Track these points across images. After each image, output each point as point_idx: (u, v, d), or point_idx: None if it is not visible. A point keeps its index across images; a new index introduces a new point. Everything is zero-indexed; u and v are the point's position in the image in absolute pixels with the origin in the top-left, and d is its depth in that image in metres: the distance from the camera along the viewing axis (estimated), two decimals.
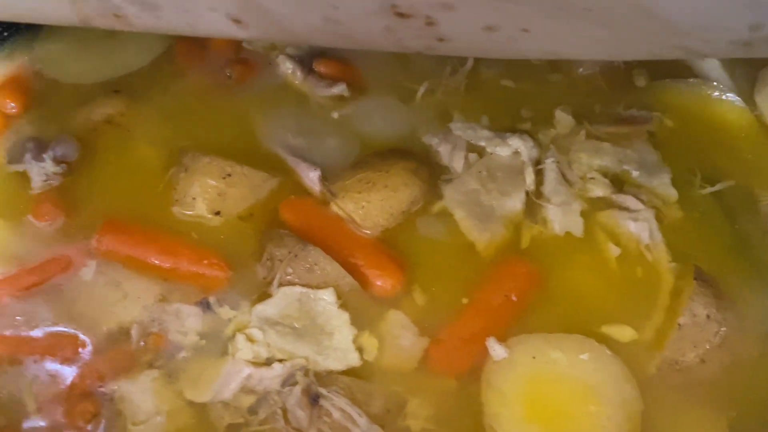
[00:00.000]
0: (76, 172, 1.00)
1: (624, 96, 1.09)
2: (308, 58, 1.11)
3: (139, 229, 0.94)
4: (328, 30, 0.75)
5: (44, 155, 0.98)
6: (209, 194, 0.96)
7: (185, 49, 1.12)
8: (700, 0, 0.68)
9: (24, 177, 0.99)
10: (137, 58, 1.11)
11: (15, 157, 1.00)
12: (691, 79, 1.09)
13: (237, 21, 0.75)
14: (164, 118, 1.05)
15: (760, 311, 0.91)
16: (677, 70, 1.12)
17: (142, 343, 0.86)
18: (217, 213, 0.95)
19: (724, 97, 1.07)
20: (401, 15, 0.73)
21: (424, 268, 0.93)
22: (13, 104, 1.05)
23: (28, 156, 0.98)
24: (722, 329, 0.87)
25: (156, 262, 0.91)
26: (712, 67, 1.12)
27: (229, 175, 0.96)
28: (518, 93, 1.09)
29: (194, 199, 0.96)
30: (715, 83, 1.09)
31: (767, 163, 1.03)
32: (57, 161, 0.99)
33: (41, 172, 0.97)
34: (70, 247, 0.93)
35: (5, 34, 1.13)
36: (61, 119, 1.05)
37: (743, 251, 0.95)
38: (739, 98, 1.08)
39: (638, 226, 0.95)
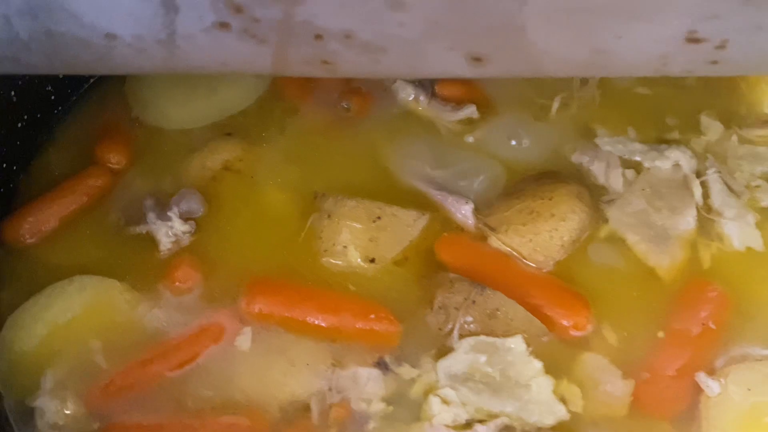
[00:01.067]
0: (204, 228, 0.90)
1: (763, 95, 1.04)
2: (428, 82, 1.03)
3: (291, 285, 0.85)
4: (593, 62, 0.67)
5: (169, 213, 0.89)
6: (360, 240, 0.87)
7: (292, 84, 1.03)
8: None
9: (146, 239, 0.89)
10: (242, 97, 1.02)
11: (135, 218, 0.90)
12: None
13: (477, 59, 0.67)
14: (287, 160, 0.97)
15: None
16: None
17: (322, 417, 0.77)
18: (372, 260, 0.87)
19: None
20: None
21: (608, 301, 0.85)
22: (117, 158, 0.96)
23: (151, 216, 0.89)
24: None
25: (318, 321, 0.82)
26: None
27: (379, 217, 0.88)
28: (657, 100, 1.02)
29: (345, 247, 0.87)
30: None
31: None
32: (184, 218, 0.89)
33: (169, 232, 0.88)
34: (216, 314, 0.84)
35: (91, 80, 1.03)
36: (173, 170, 0.96)
37: None
38: None
39: None
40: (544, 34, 0.65)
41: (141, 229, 0.89)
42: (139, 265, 0.87)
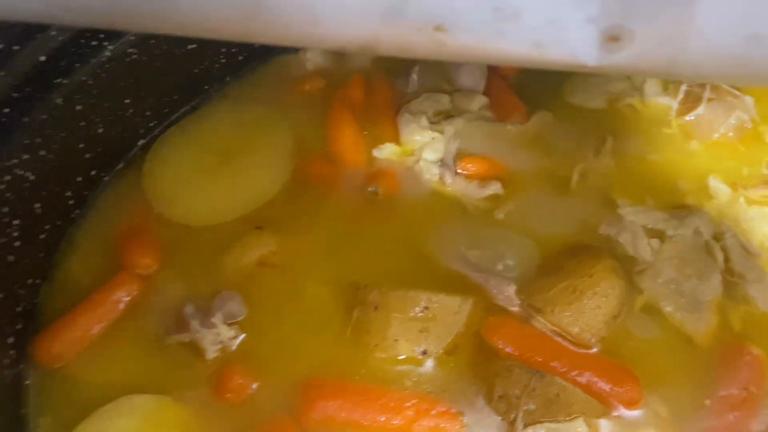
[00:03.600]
0: (248, 330, 0.88)
1: (762, 155, 1.10)
2: (449, 159, 1.05)
3: (347, 386, 0.84)
4: (742, 55, 0.58)
5: (213, 319, 0.86)
6: (411, 332, 0.87)
7: (317, 169, 1.03)
8: None
9: (188, 348, 0.86)
10: (266, 186, 1.01)
11: (175, 326, 0.87)
12: None
13: (615, 38, 0.57)
14: (323, 250, 0.96)
15: None
16: None
17: None
18: (425, 352, 0.87)
19: None
20: None
21: (654, 374, 0.88)
22: (146, 261, 0.93)
23: (194, 324, 0.86)
24: None
25: (381, 423, 0.82)
26: None
27: (427, 307, 0.88)
28: (667, 166, 1.07)
29: (396, 340, 0.87)
30: None
31: None
32: (227, 322, 0.87)
33: (215, 340, 0.86)
34: (275, 424, 0.82)
35: (105, 177, 1.00)
36: (207, 270, 0.93)
37: None
38: None
39: None
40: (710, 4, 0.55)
41: (184, 337, 0.86)
42: (185, 377, 0.85)
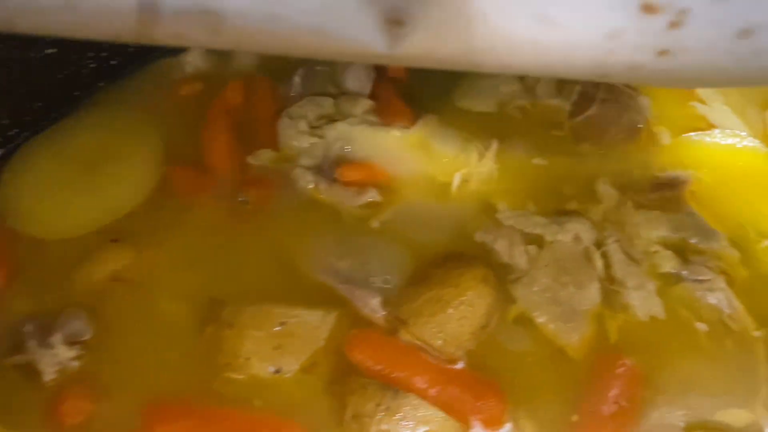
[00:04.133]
0: (94, 350, 0.83)
1: (654, 157, 1.07)
2: (326, 166, 1.00)
3: (190, 409, 0.80)
4: (534, 39, 0.57)
5: (51, 339, 0.81)
6: (264, 350, 0.83)
7: (183, 178, 0.98)
8: None
9: (22, 370, 0.81)
10: (128, 197, 0.96)
11: (13, 347, 0.82)
12: (714, 131, 1.09)
13: (397, 22, 0.55)
14: (183, 264, 0.91)
15: None
16: (694, 122, 1.12)
17: None
18: (278, 370, 0.83)
19: (748, 144, 1.08)
20: None
21: (522, 388, 0.84)
22: None
23: (32, 343, 0.81)
24: None
25: None
26: (724, 114, 1.13)
27: (283, 323, 0.84)
28: (553, 170, 1.04)
29: (248, 359, 0.82)
30: (734, 132, 1.09)
31: None
32: (69, 343, 0.82)
33: (53, 361, 0.81)
34: None
35: None
36: (57, 286, 0.88)
37: None
38: (758, 141, 1.09)
39: (715, 297, 0.92)
40: None
41: (20, 359, 0.81)
42: (19, 402, 0.79)
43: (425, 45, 0.59)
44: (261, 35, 0.58)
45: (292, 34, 0.58)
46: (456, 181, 1.01)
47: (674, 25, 0.59)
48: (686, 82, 0.66)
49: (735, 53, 0.61)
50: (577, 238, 0.95)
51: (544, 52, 0.61)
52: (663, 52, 0.61)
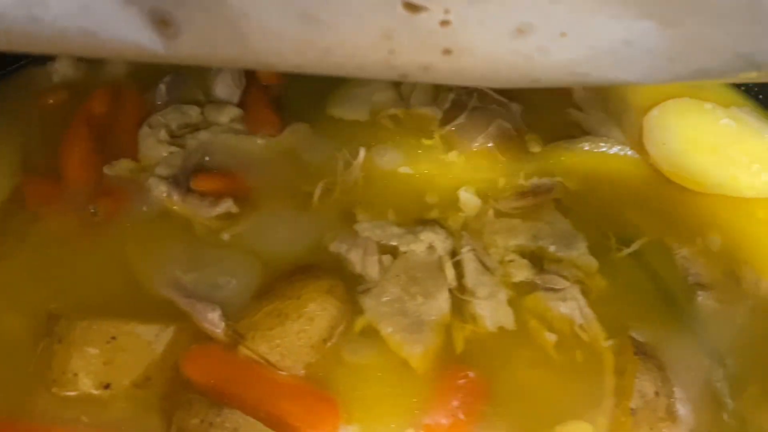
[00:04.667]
0: None
1: (523, 164, 1.06)
2: (183, 175, 0.99)
3: (12, 426, 0.78)
4: (307, 40, 0.57)
5: None
6: (93, 365, 0.81)
7: (35, 188, 0.96)
8: None
9: None
10: None
11: None
12: (584, 138, 1.09)
13: (164, 22, 0.56)
14: (24, 277, 0.89)
15: (701, 371, 0.90)
16: (568, 129, 1.11)
17: None
18: (107, 386, 0.81)
19: (619, 151, 1.08)
20: None
21: (359, 401, 0.83)
22: None
23: None
24: (671, 402, 0.85)
25: None
26: (600, 121, 1.12)
27: (114, 337, 0.82)
28: (418, 179, 1.03)
29: (75, 375, 0.80)
30: (605, 139, 1.09)
31: (672, 212, 1.03)
32: None
33: None
34: None
35: None
36: None
37: (672, 311, 0.94)
38: (632, 150, 1.09)
39: (567, 306, 0.91)
40: None
41: None
42: None
43: (198, 45, 0.59)
44: (29, 37, 0.57)
45: (62, 36, 0.57)
46: (318, 191, 1.00)
47: (446, 24, 0.58)
48: (489, 81, 0.65)
49: (520, 51, 0.61)
50: (431, 248, 0.94)
51: (326, 52, 0.60)
52: (447, 51, 0.61)
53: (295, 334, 0.84)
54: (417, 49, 0.60)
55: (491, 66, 0.63)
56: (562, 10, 0.58)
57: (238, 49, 0.59)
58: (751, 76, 0.66)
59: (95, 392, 0.80)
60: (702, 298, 0.95)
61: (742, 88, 1.20)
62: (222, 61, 0.63)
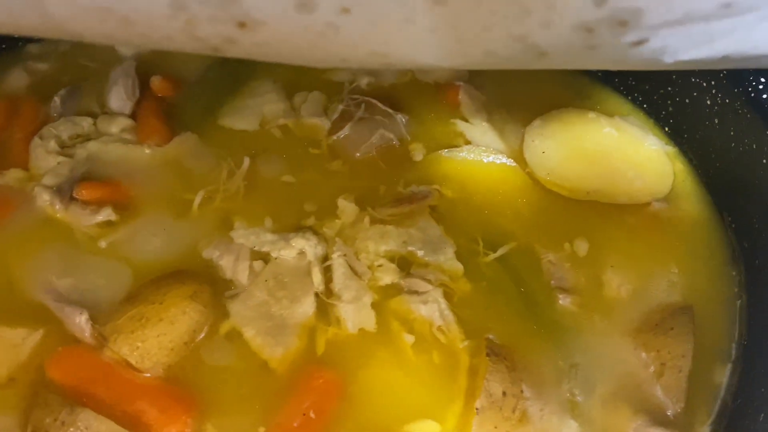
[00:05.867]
0: None
1: (403, 173, 1.10)
2: (68, 185, 1.02)
3: None
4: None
5: None
6: None
7: None
8: None
9: None
10: None
11: None
12: (464, 147, 1.12)
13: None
14: None
15: (553, 372, 0.93)
16: (453, 139, 1.15)
17: None
18: None
19: (496, 160, 1.11)
20: None
21: (216, 401, 0.86)
22: None
23: None
24: (520, 402, 0.88)
25: None
26: (483, 131, 1.16)
27: None
28: (300, 187, 1.06)
29: None
30: (486, 148, 1.13)
31: (544, 218, 1.07)
32: None
33: None
34: None
35: None
36: None
37: (531, 314, 0.97)
38: (510, 159, 1.12)
39: (428, 309, 0.95)
40: None
41: None
42: None
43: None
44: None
45: None
46: (198, 198, 1.03)
47: None
48: (298, 59, 0.68)
49: (312, 28, 0.64)
50: (301, 254, 0.98)
51: (126, 22, 0.63)
52: (241, 24, 0.64)
53: (155, 338, 0.88)
54: (212, 21, 0.63)
55: (290, 42, 0.66)
56: None
57: (39, 18, 0.62)
58: (546, 64, 0.68)
59: None
60: (562, 301, 0.99)
61: (629, 97, 1.25)
62: (28, 30, 0.65)
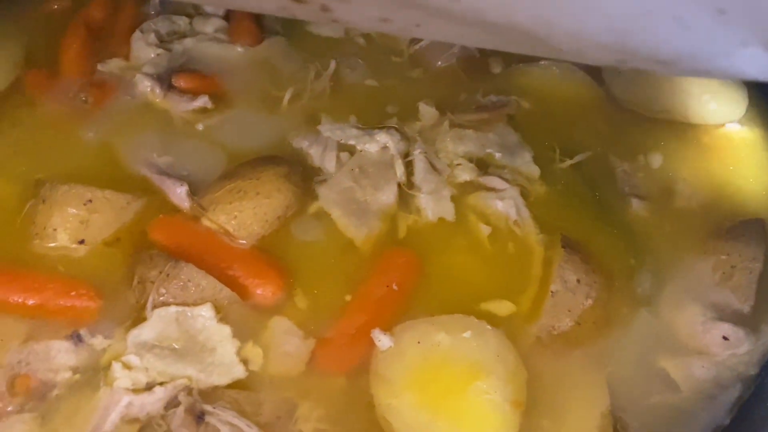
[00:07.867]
0: None
1: (482, 84, 1.14)
2: (166, 74, 1.08)
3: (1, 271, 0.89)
4: None
5: None
6: (70, 223, 0.91)
7: (35, 78, 1.07)
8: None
9: None
10: None
11: None
12: (543, 62, 1.15)
13: None
14: (18, 152, 0.99)
15: (625, 270, 0.97)
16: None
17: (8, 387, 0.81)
18: (81, 242, 0.91)
19: (574, 75, 1.14)
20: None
21: (304, 271, 0.92)
22: None
23: None
24: (593, 291, 0.92)
25: (19, 300, 0.86)
26: None
27: (90, 201, 0.92)
28: (383, 91, 1.11)
29: (55, 230, 0.91)
30: (564, 63, 1.16)
31: (619, 132, 1.10)
32: None
33: None
34: None
35: None
36: None
37: (605, 216, 1.01)
38: (588, 75, 1.15)
39: (505, 204, 0.99)
40: None
41: None
42: None
43: None
44: None
45: None
46: (287, 95, 1.08)
47: None
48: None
49: None
50: (385, 148, 1.03)
51: None
52: None
53: (252, 209, 0.93)
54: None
55: None
56: None
57: None
58: None
59: (71, 246, 0.91)
60: (635, 206, 1.02)
61: None
62: None
